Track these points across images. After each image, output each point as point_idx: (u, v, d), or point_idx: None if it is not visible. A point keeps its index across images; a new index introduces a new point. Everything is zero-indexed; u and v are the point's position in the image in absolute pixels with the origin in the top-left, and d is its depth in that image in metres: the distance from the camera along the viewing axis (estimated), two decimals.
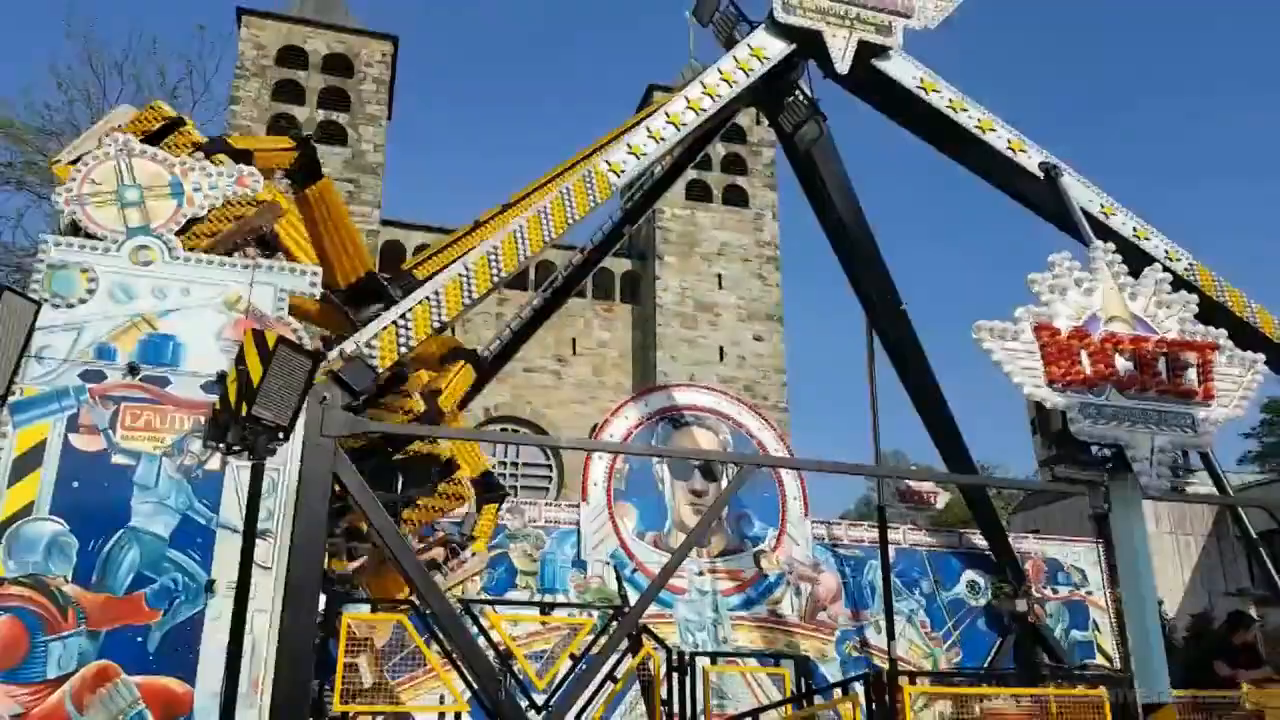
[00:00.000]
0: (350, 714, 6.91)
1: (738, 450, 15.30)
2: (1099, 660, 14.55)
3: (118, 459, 5.89)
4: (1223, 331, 6.28)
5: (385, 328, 7.12)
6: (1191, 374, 6.06)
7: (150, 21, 68.61)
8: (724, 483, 15.05)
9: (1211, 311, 8.02)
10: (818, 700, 11.16)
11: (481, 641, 8.94)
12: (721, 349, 37.05)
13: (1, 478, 5.71)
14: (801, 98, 11.30)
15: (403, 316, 7.26)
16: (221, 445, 5.66)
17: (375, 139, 36.81)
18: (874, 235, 12.53)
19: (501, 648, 9.53)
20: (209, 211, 6.62)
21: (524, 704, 8.56)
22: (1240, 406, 6.21)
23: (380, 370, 6.99)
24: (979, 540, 15.62)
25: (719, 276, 38.02)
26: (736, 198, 39.31)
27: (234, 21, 36.80)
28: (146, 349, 6.17)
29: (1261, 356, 6.39)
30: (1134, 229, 9.54)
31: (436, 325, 7.48)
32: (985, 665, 14.41)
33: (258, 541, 5.61)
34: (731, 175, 39.50)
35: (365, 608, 8.24)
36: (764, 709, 11.05)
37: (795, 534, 15.32)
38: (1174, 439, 5.92)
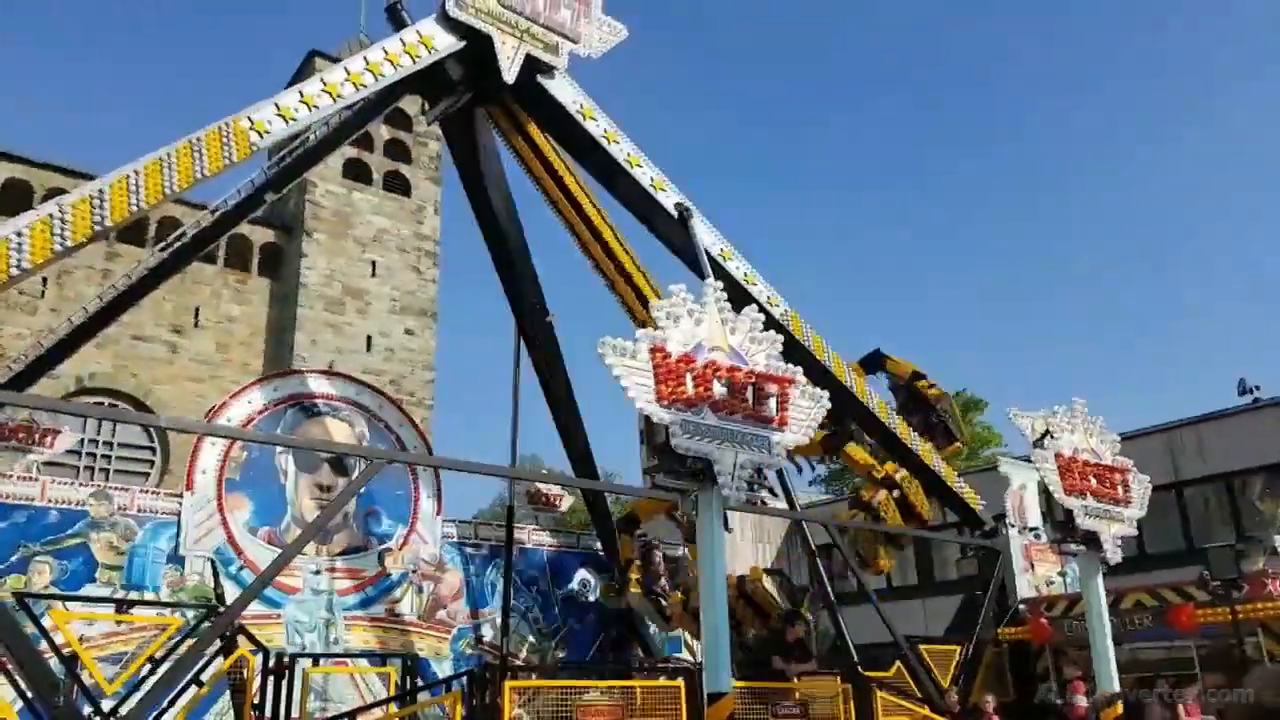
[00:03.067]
0: None
1: (374, 444, 14.81)
2: (685, 654, 16.01)
3: None
4: (799, 369, 7.28)
5: None
6: (772, 403, 6.97)
7: None
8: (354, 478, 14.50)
9: (795, 351, 9.29)
10: (422, 697, 11.13)
11: (43, 644, 7.81)
12: (369, 338, 35.70)
13: None
14: (472, 98, 11.33)
15: None
16: None
17: None
18: (528, 245, 12.90)
19: (66, 650, 8.37)
20: None
21: (87, 710, 7.59)
22: (807, 433, 7.26)
23: None
24: (595, 542, 16.58)
25: (373, 263, 36.63)
26: (398, 185, 38.20)
27: None
28: None
29: (826, 393, 7.52)
30: (745, 274, 10.77)
31: (15, 272, 6.44)
32: (587, 659, 15.25)
33: None
34: (395, 161, 38.30)
35: None
36: (364, 709, 10.81)
37: (425, 532, 15.15)
38: (752, 457, 6.76)
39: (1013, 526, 15.04)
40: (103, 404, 29.04)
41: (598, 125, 10.52)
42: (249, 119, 8.11)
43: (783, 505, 12.90)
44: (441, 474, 15.43)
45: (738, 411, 6.71)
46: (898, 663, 11.06)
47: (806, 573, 16.32)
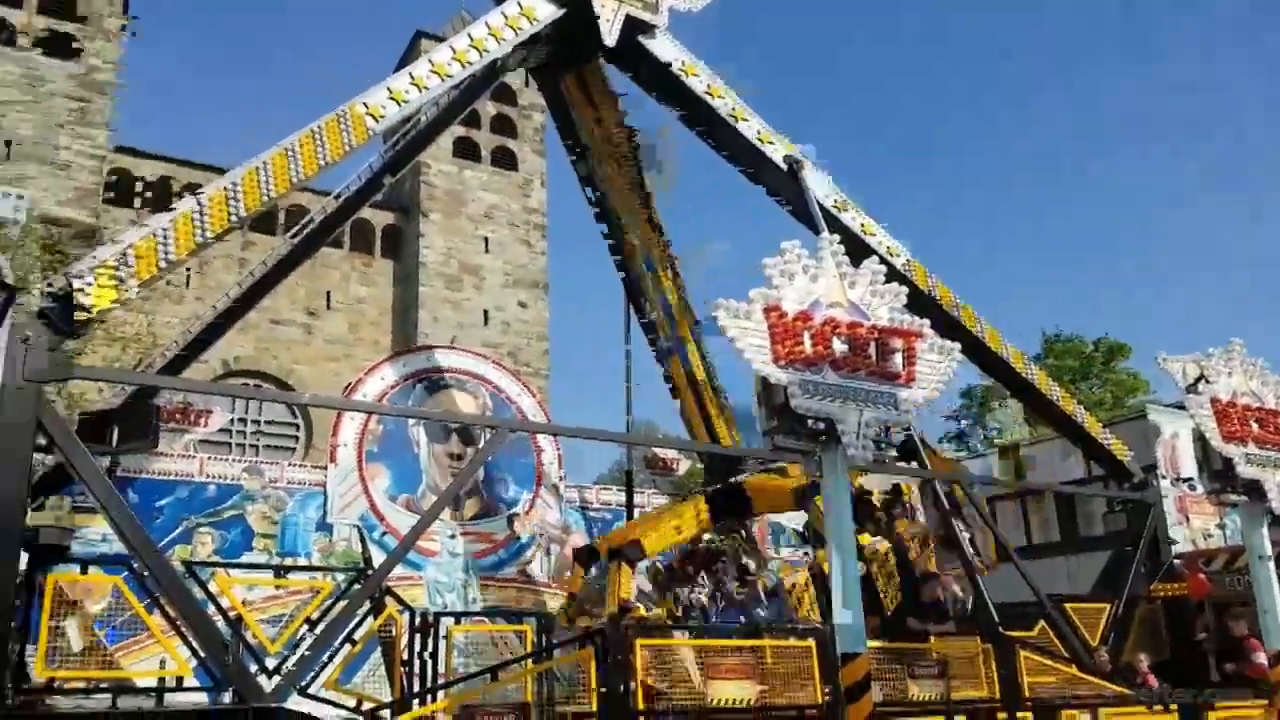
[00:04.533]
0: (55, 680, 6.35)
1: (497, 415, 15.32)
2: (813, 615, 15.93)
3: None
4: (927, 321, 7.07)
5: (101, 264, 6.48)
6: (898, 358, 6.81)
7: None
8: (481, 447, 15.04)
9: (920, 303, 9.03)
10: (557, 654, 11.52)
11: (211, 608, 8.46)
12: (486, 313, 36.68)
13: None
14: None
15: (123, 254, 6.64)
16: None
17: (108, 55, 32.74)
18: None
19: (231, 613, 9.05)
20: None
21: (253, 668, 8.20)
22: (937, 389, 7.06)
23: (94, 310, 6.34)
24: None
25: (486, 240, 37.53)
26: (505, 160, 38.86)
27: None
28: None
29: (958, 345, 7.28)
30: (862, 225, 10.51)
31: (163, 265, 6.91)
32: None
33: None
34: (501, 137, 38.95)
35: (75, 568, 7.54)
36: (504, 664, 11.28)
37: (549, 498, 15.61)
38: (878, 415, 6.64)
39: (1164, 478, 14.34)
40: (249, 384, 30.96)
41: (700, 81, 10.42)
42: (364, 104, 8.39)
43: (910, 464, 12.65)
44: (562, 441, 15.83)
45: (860, 369, 6.59)
46: (1041, 622, 10.73)
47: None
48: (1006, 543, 11.63)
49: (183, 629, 7.20)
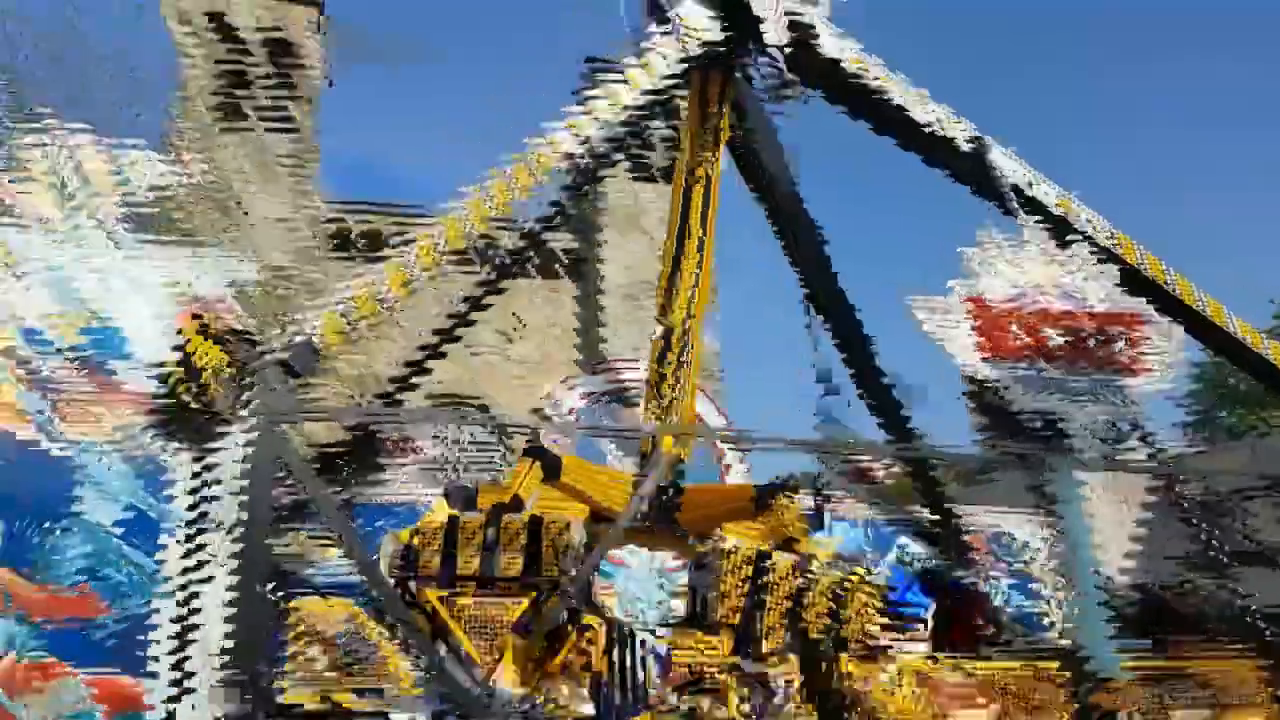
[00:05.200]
0: (301, 703, 6.89)
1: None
2: (1050, 634, 14.95)
3: (59, 449, 5.76)
4: (1143, 300, 6.53)
5: (328, 310, 7.06)
6: (1120, 345, 6.30)
7: None
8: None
9: (1133, 281, 8.31)
10: None
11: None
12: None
13: None
14: (740, 76, 11.37)
15: (347, 300, 7.21)
16: (167, 434, 5.57)
17: (318, 119, 35.84)
18: (809, 211, 12.70)
19: (442, 626, 9.51)
20: (154, 199, 6.46)
21: (468, 682, 8.59)
22: (1168, 376, 6.48)
23: (325, 352, 6.92)
24: (920, 511, 15.93)
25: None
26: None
27: None
28: (87, 336, 6.03)
29: (1182, 326, 6.66)
30: (1056, 200, 9.80)
31: (381, 307, 7.44)
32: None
33: (206, 531, 5.55)
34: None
35: (316, 596, 8.20)
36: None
37: None
38: (1106, 410, 6.16)
39: None
40: (454, 410, 32.83)
41: (868, 71, 10.10)
42: (546, 139, 8.80)
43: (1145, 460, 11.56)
44: (747, 450, 15.65)
45: (1080, 360, 6.17)
46: None
47: (1182, 535, 14.53)
48: (1266, 543, 10.38)
49: (410, 651, 7.66)
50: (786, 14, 9.79)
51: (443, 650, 8.12)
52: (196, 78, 34.31)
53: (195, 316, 5.67)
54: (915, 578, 15.61)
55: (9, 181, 6.15)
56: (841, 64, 10.03)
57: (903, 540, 15.91)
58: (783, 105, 11.72)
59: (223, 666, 5.59)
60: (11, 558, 5.46)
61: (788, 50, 10.00)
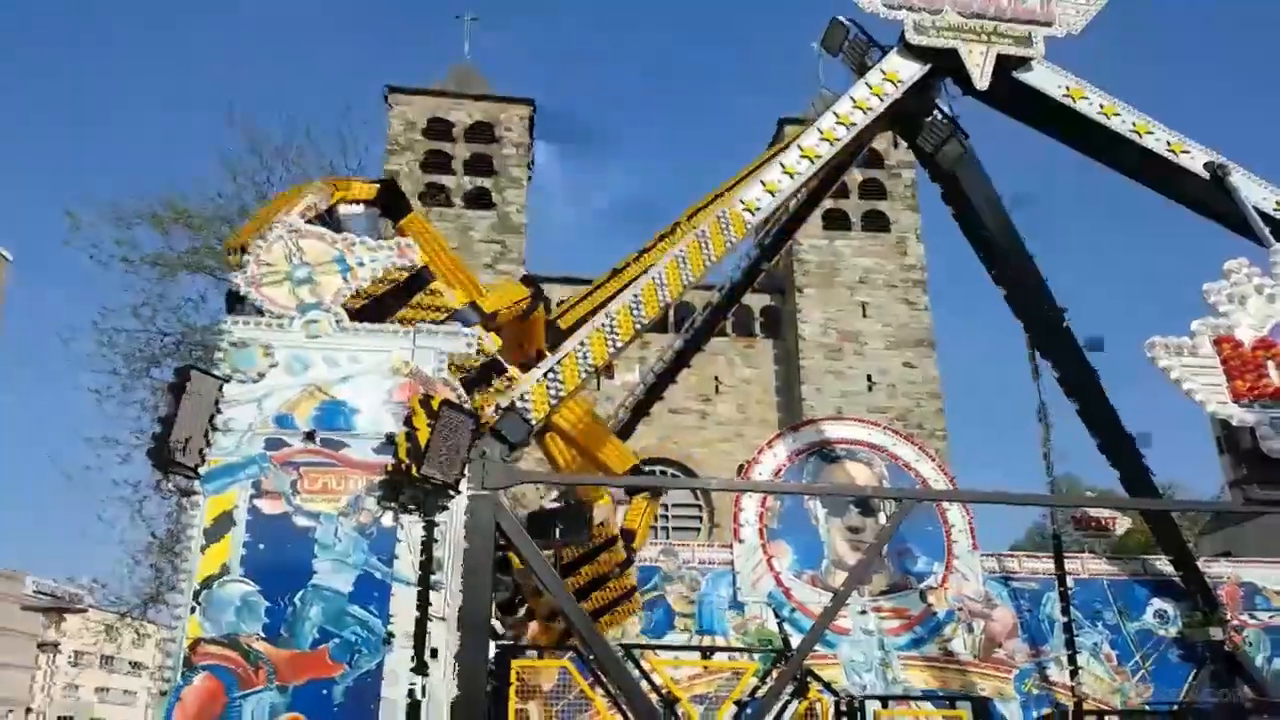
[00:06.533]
0: None
1: (894, 483, 14.82)
2: None
3: (299, 520, 6.31)
4: None
5: (537, 381, 7.38)
6: None
7: (304, 106, 74.23)
8: (881, 517, 14.60)
9: None
10: None
11: (644, 685, 8.98)
12: (869, 378, 36.12)
13: (197, 543, 6.21)
14: (941, 117, 11.03)
15: (552, 369, 7.51)
16: (395, 504, 5.98)
17: (518, 200, 38.30)
18: (1027, 249, 12.01)
19: (664, 691, 9.53)
20: (371, 284, 7.08)
21: None
22: None
23: (535, 422, 7.22)
24: (1165, 566, 14.52)
25: (863, 305, 37.21)
26: (876, 223, 38.52)
27: (382, 101, 39.31)
28: (322, 415, 6.62)
29: None
30: None
31: (584, 374, 7.68)
32: (1180, 700, 13.29)
33: (431, 594, 5.85)
34: (871, 200, 38.76)
35: (533, 654, 8.45)
36: None
37: (963, 568, 14.65)
38: None
39: None
40: (655, 473, 33.31)
41: (1091, 104, 9.51)
42: (741, 201, 8.81)
43: None
44: (972, 506, 14.83)
45: None
46: None
47: None
48: None
49: (623, 706, 7.69)
50: (998, 56, 9.48)
51: (660, 709, 8.13)
52: (404, 165, 37.71)
53: (424, 394, 6.10)
54: (1174, 640, 14.24)
55: (258, 282, 6.92)
56: (1057, 98, 9.57)
57: (1157, 602, 14.52)
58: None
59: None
60: (268, 629, 5.98)
61: (991, 87, 9.67)
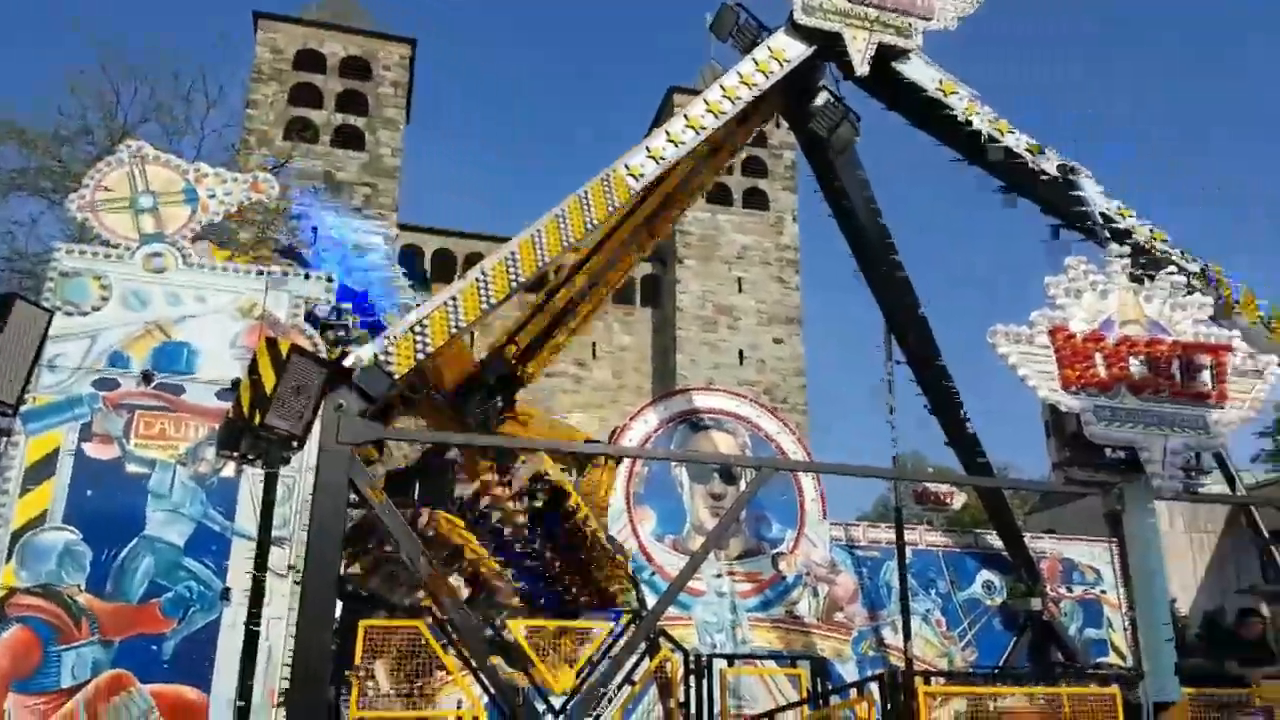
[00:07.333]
0: None
1: (756, 453, 15.29)
2: (1112, 658, 14.50)
3: (132, 467, 5.95)
4: (1236, 333, 6.25)
5: (403, 334, 7.16)
6: (1205, 376, 6.03)
7: (164, 25, 69.21)
8: (742, 485, 15.03)
9: (1225, 314, 7.93)
10: (834, 700, 11.12)
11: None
12: (741, 352, 37.02)
13: (15, 487, 5.78)
14: (834, 100, 11.28)
15: (420, 323, 7.29)
16: (235, 454, 5.68)
17: (393, 143, 37.02)
18: (893, 240, 12.49)
19: (518, 652, 9.55)
20: (222, 217, 6.68)
21: (541, 708, 8.58)
22: (1255, 408, 6.18)
23: (397, 375, 7.01)
24: (995, 540, 15.58)
25: (739, 280, 38.01)
26: (756, 201, 39.30)
27: (249, 26, 37.13)
28: (160, 356, 6.23)
29: (1274, 358, 6.34)
30: (1150, 231, 9.48)
31: (454, 330, 7.50)
32: (1000, 664, 14.36)
33: (273, 549, 5.63)
34: (752, 178, 39.48)
35: (382, 614, 8.29)
36: (780, 709, 11.03)
37: (813, 536, 15.30)
38: (1187, 441, 5.90)
39: None
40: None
41: (959, 99, 9.90)
42: (625, 165, 8.75)
43: (1223, 489, 11.11)
44: (824, 477, 15.47)
45: (1163, 390, 5.88)
46: None
47: (1257, 565, 13.93)
48: None
49: (477, 669, 7.67)
50: (879, 44, 9.69)
51: (512, 670, 8.14)
52: (269, 95, 35.80)
53: (268, 337, 5.79)
54: (999, 609, 15.33)
55: (95, 207, 6.42)
56: (928, 92, 9.89)
57: (985, 573, 15.57)
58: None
59: (288, 683, 5.66)
60: (92, 581, 5.63)
61: (870, 76, 9.91)
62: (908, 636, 13.44)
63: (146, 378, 6.12)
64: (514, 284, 7.85)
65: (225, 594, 5.77)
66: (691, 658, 10.58)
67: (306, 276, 6.79)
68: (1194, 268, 9.47)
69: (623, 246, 10.83)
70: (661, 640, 10.37)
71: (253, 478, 5.99)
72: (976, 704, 7.77)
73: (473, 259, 29.73)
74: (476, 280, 7.71)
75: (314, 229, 8.40)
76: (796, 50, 9.69)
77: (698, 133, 9.08)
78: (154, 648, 5.59)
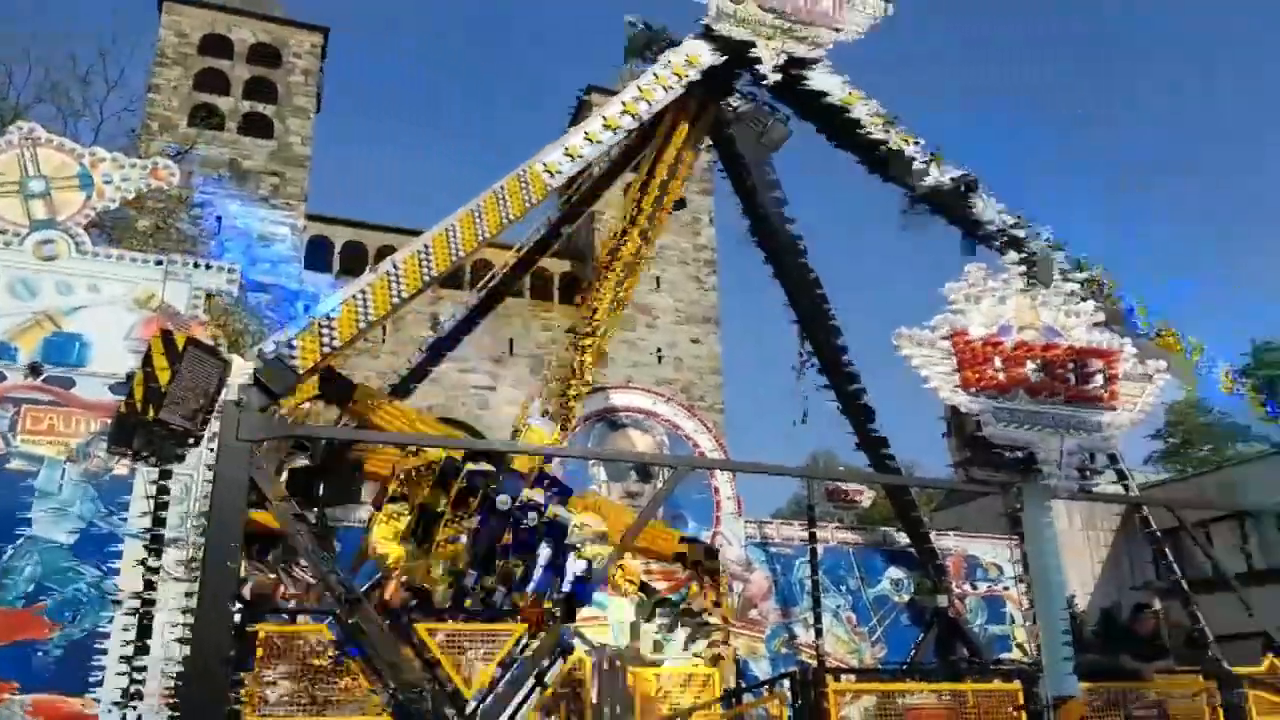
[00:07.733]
0: None
1: (673, 452, 15.40)
2: (1015, 654, 15.03)
3: (16, 463, 5.66)
4: (1126, 339, 6.58)
5: (307, 328, 6.96)
6: (1098, 380, 6.33)
7: (63, 4, 65.94)
8: (659, 484, 15.12)
9: (1116, 321, 8.35)
10: (746, 699, 11.27)
11: (408, 650, 8.80)
12: (659, 351, 37.19)
13: None
14: (761, 104, 11.46)
15: (327, 317, 7.11)
16: (128, 450, 5.44)
17: (302, 131, 36.04)
18: (804, 244, 12.77)
19: (427, 655, 9.38)
20: (120, 204, 6.40)
21: (450, 712, 8.44)
22: (1144, 410, 6.51)
23: (301, 371, 6.81)
24: (902, 538, 16.02)
25: (657, 279, 38.15)
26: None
27: (155, 7, 35.67)
28: (50, 348, 5.95)
29: (1164, 363, 6.71)
30: (1047, 240, 9.90)
31: (363, 324, 7.35)
32: (908, 660, 14.75)
33: (167, 550, 5.42)
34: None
35: (283, 617, 8.04)
36: (695, 709, 11.12)
37: (728, 533, 15.48)
38: (1081, 442, 6.18)
39: None
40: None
41: (865, 110, 10.18)
42: (542, 163, 8.73)
43: (1117, 489, 11.70)
44: (739, 475, 15.69)
45: (1058, 393, 6.17)
46: (1269, 656, 9.55)
47: (1150, 562, 14.72)
48: (1226, 570, 10.44)
49: (382, 673, 7.50)
50: (788, 55, 9.87)
51: (423, 674, 7.98)
52: (172, 80, 34.47)
53: (163, 330, 5.56)
54: (906, 606, 15.77)
55: None
56: (836, 101, 10.13)
57: (893, 570, 16.01)
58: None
59: (179, 689, 5.44)
60: None
61: (779, 82, 10.11)
62: (819, 634, 13.72)
63: (34, 370, 5.83)
64: (426, 278, 7.73)
65: (114, 597, 5.52)
66: (604, 658, 10.57)
67: (208, 266, 6.55)
68: (1083, 276, 9.95)
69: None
70: (575, 640, 10.34)
71: (146, 475, 5.74)
72: (885, 700, 7.99)
73: (385, 251, 29.06)
74: (387, 274, 7.56)
75: (218, 218, 8.13)
76: (709, 57, 9.85)
77: (614, 132, 9.15)
78: (38, 654, 5.32)
